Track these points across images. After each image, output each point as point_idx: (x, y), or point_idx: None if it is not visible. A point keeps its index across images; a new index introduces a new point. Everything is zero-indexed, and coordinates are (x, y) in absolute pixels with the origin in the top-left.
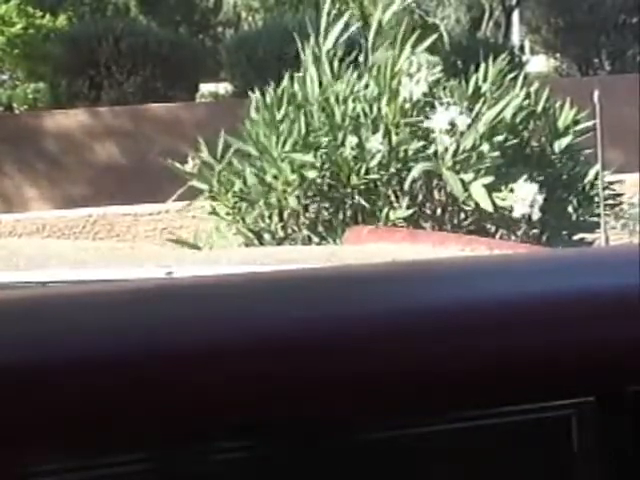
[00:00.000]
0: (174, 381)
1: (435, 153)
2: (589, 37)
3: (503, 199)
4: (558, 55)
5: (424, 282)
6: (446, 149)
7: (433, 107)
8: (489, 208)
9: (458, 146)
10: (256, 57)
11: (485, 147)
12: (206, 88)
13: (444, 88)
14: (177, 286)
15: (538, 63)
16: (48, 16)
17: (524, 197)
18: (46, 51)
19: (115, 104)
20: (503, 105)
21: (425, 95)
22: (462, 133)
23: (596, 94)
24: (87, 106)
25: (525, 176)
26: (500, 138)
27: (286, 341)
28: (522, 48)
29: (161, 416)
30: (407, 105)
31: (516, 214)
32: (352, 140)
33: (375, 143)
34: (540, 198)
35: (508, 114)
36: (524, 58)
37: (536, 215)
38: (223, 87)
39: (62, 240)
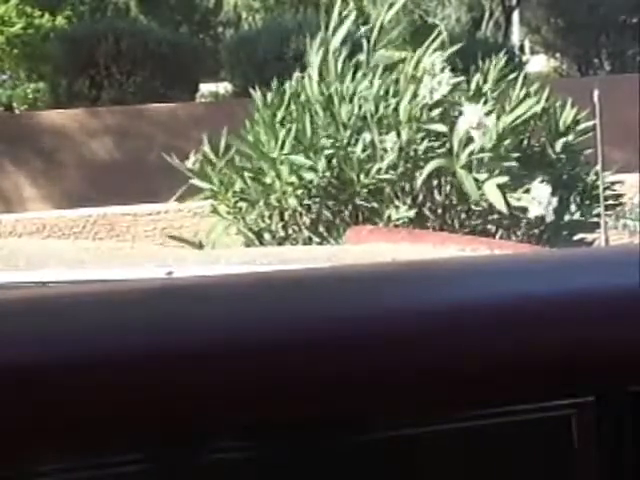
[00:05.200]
0: (174, 381)
1: (449, 151)
2: (589, 37)
3: (518, 199)
4: (558, 55)
5: (424, 282)
6: (464, 147)
7: (443, 107)
8: (503, 208)
9: (475, 145)
10: (256, 57)
11: (503, 148)
12: (206, 88)
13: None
14: (177, 286)
15: (538, 63)
16: (47, 16)
17: (540, 199)
18: (46, 51)
19: (115, 104)
20: (525, 109)
21: (445, 96)
22: (484, 133)
23: (596, 94)
24: (87, 106)
25: (540, 179)
26: (520, 138)
27: (286, 341)
28: (522, 48)
29: (161, 416)
30: (426, 101)
31: (531, 215)
32: (365, 136)
33: (389, 143)
34: (554, 200)
35: (509, 115)
36: (524, 58)
37: (550, 217)
38: (223, 87)
39: (62, 240)
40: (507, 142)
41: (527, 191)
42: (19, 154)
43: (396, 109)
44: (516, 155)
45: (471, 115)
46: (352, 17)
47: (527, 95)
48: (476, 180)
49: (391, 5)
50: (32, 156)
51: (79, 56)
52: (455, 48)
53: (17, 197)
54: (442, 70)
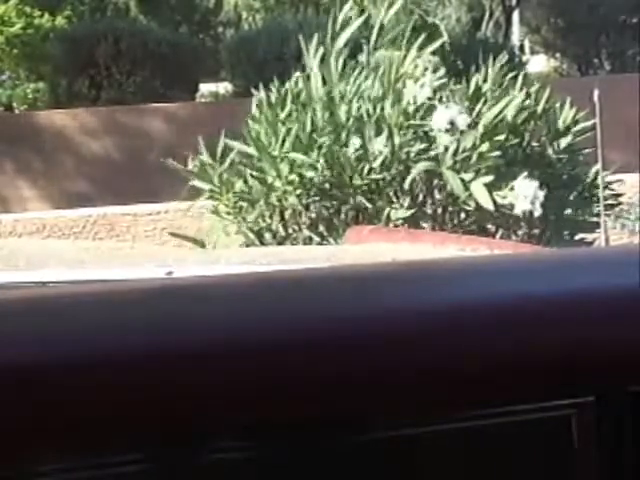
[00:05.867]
0: (174, 381)
1: (436, 154)
2: (589, 37)
3: (504, 197)
4: (558, 55)
5: (424, 282)
6: (446, 148)
7: (434, 107)
8: (490, 206)
9: (458, 145)
10: (256, 57)
11: (485, 146)
12: (206, 88)
13: (443, 88)
14: (177, 286)
15: (538, 63)
16: (47, 16)
17: (525, 194)
18: (46, 51)
19: (115, 104)
20: (503, 105)
21: (429, 99)
22: (462, 132)
23: (596, 94)
24: (87, 106)
25: (525, 174)
26: (500, 138)
27: (286, 341)
28: (522, 48)
29: (161, 416)
30: (410, 108)
31: (517, 211)
32: (355, 141)
33: (379, 145)
34: (541, 194)
35: (509, 114)
36: (524, 58)
37: (537, 211)
38: (223, 87)
39: (62, 240)
40: (488, 143)
41: (513, 188)
42: (19, 154)
43: (384, 110)
44: (516, 155)
45: (440, 118)
46: (359, 20)
47: (528, 95)
48: (462, 180)
49: (390, 5)
50: (32, 156)
51: (79, 56)
52: (438, 43)
53: (17, 197)
54: (424, 73)
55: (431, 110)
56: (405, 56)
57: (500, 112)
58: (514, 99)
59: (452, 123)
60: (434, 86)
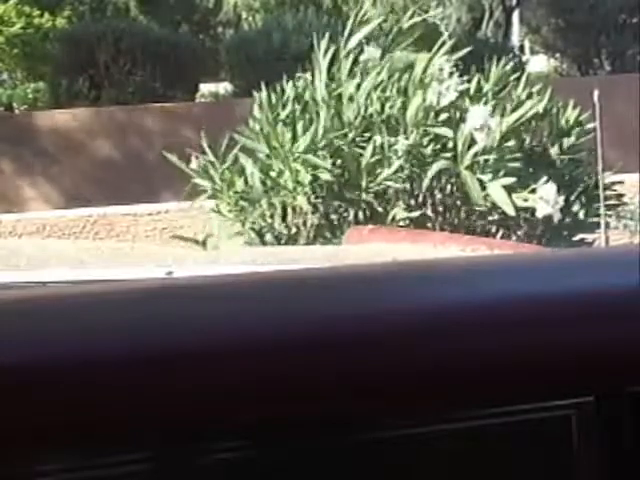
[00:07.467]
0: (174, 381)
1: (454, 156)
2: (589, 37)
3: (525, 199)
4: (558, 55)
5: (424, 282)
6: (469, 147)
7: (449, 111)
8: (510, 210)
9: (480, 146)
10: (256, 57)
11: (507, 148)
12: (206, 88)
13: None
14: (177, 286)
15: (538, 63)
16: (47, 15)
17: (547, 198)
18: (46, 51)
19: (115, 104)
20: (527, 108)
21: (451, 103)
22: (490, 132)
23: (596, 94)
24: (87, 106)
25: (545, 179)
26: (522, 139)
27: (286, 341)
28: (522, 48)
29: (161, 416)
30: (429, 108)
31: (539, 215)
32: (375, 140)
33: (400, 145)
34: (561, 199)
35: (513, 115)
36: (524, 58)
37: (557, 216)
38: (223, 87)
39: (62, 240)
40: (510, 143)
41: (533, 191)
42: (19, 154)
43: (403, 112)
44: (519, 156)
45: (475, 117)
46: (375, 22)
47: (529, 95)
48: (480, 181)
49: (412, 12)
50: (32, 156)
51: (79, 56)
52: (463, 52)
53: (17, 197)
54: (450, 75)
55: (449, 110)
56: (431, 58)
57: (523, 115)
58: (537, 104)
59: (483, 125)
60: (458, 90)
